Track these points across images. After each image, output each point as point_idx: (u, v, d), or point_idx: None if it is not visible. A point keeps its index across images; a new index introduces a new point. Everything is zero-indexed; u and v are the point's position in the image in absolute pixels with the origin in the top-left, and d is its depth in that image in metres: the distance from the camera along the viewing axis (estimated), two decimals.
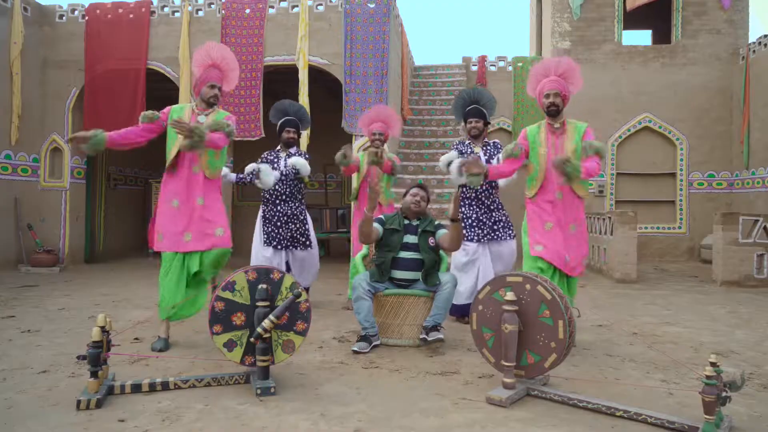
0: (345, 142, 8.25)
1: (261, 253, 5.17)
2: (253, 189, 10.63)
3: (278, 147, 5.41)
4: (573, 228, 3.76)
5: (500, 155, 4.08)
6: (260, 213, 5.34)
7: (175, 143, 3.87)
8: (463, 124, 5.29)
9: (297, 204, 5.34)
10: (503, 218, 5.04)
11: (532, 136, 3.87)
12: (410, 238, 4.01)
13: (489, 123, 5.15)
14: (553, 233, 3.70)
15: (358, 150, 7.97)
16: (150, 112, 3.95)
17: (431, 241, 4.00)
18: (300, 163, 5.25)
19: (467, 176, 3.80)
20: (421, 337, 3.77)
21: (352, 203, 5.92)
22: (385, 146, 5.47)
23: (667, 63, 10.71)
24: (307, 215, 5.46)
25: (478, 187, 4.88)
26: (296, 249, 5.28)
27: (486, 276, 4.79)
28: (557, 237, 3.69)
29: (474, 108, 5.06)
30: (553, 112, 3.78)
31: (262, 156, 5.40)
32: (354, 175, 5.66)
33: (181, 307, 3.88)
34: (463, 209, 5.09)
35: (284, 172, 5.26)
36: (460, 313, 4.83)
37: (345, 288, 6.56)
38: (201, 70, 4.08)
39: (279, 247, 5.18)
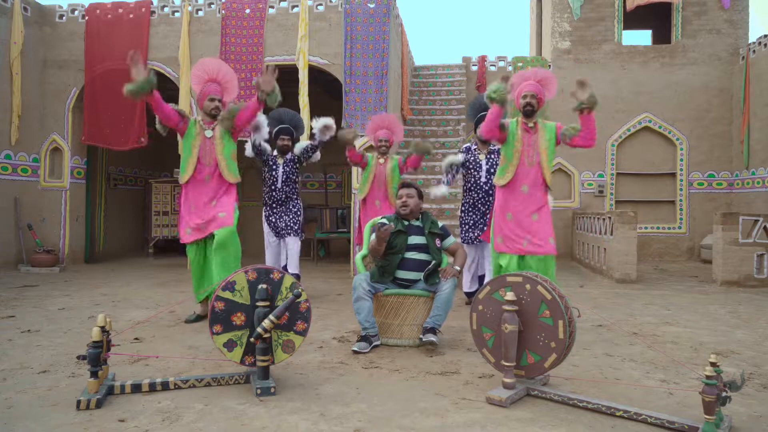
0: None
1: (269, 240, 5.84)
2: (254, 190, 10.70)
3: (275, 152, 5.82)
4: (535, 216, 4.21)
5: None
6: (263, 215, 5.88)
7: (190, 157, 4.44)
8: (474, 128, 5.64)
9: (291, 203, 5.83)
10: None
11: (512, 128, 4.26)
12: (416, 239, 4.00)
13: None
14: (514, 222, 4.22)
15: (359, 149, 7.97)
16: (180, 109, 4.52)
17: (437, 242, 4.01)
18: (327, 123, 5.69)
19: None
20: (419, 336, 3.78)
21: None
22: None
23: (667, 63, 10.71)
24: (301, 209, 5.95)
25: (476, 196, 5.49)
26: (289, 236, 5.78)
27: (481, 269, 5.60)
28: (517, 224, 4.20)
29: (486, 114, 5.26)
30: (528, 112, 4.23)
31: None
32: (361, 176, 6.07)
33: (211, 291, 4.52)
34: (462, 215, 5.63)
35: (282, 180, 5.73)
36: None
37: (345, 288, 6.58)
38: (200, 86, 4.53)
39: (278, 235, 5.81)
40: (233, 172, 4.53)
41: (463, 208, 5.61)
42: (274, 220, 5.77)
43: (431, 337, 3.68)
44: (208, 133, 4.45)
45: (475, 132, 5.45)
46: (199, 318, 4.63)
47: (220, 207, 4.50)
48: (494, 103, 4.07)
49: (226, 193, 4.56)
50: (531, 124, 4.23)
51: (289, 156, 5.76)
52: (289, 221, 5.75)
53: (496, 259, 4.36)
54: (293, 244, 5.76)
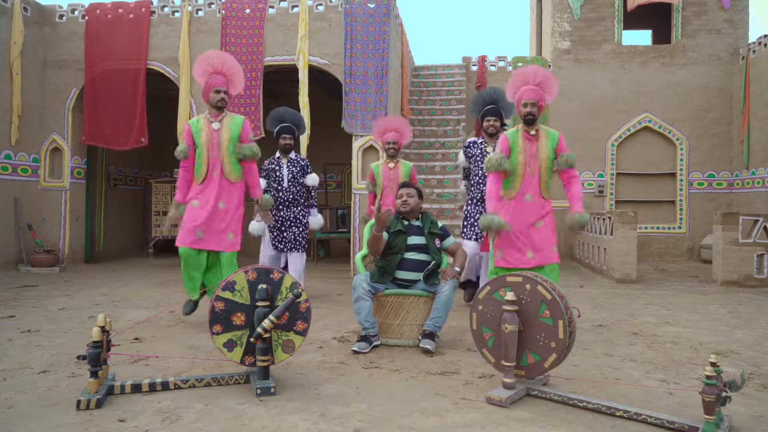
0: (345, 141, 8.28)
1: (267, 254, 5.67)
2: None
3: (277, 153, 5.75)
4: (539, 224, 4.04)
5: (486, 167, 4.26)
6: None
7: (202, 155, 4.38)
8: (479, 122, 5.57)
9: (300, 208, 5.71)
10: None
11: (513, 140, 4.06)
12: (416, 240, 3.99)
13: (505, 124, 5.40)
14: (515, 234, 4.00)
15: (358, 149, 7.99)
16: (180, 149, 4.44)
17: (437, 242, 4.01)
18: (315, 180, 5.76)
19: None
20: (419, 336, 3.78)
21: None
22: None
23: (667, 63, 10.71)
24: (308, 219, 5.80)
25: (485, 189, 5.18)
26: (296, 251, 5.64)
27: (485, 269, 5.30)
28: (518, 235, 4.00)
29: (492, 108, 5.33)
30: (530, 120, 4.04)
31: (264, 165, 5.72)
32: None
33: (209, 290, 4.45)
34: (468, 208, 5.43)
35: (288, 179, 5.64)
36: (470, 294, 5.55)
37: (345, 288, 6.57)
38: (204, 78, 4.48)
39: (284, 249, 5.62)
40: (233, 170, 4.42)
41: (469, 202, 5.40)
42: (279, 226, 5.57)
43: (427, 345, 3.65)
44: (216, 125, 4.40)
45: (481, 125, 5.40)
46: (195, 306, 4.52)
47: (229, 221, 4.40)
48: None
49: (233, 195, 4.46)
50: (533, 132, 4.03)
51: (292, 156, 5.68)
52: (297, 235, 5.59)
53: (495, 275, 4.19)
54: (299, 259, 5.61)
